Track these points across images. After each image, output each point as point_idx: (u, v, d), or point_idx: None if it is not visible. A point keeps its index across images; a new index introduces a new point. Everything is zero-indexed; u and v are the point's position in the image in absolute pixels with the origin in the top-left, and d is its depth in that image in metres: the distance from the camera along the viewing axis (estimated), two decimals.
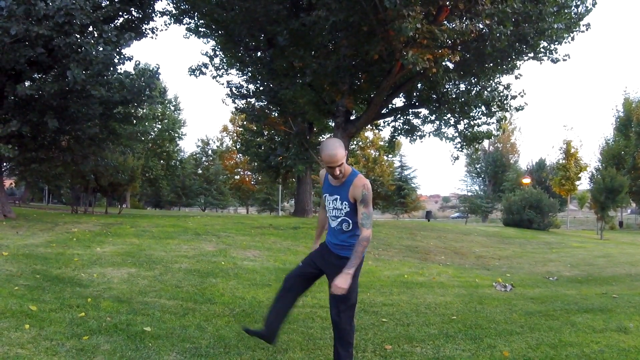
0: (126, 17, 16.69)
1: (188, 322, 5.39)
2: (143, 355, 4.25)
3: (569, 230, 35.81)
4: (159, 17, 18.26)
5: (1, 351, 4.09)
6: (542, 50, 16.15)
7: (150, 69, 16.48)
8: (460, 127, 19.77)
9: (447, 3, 13.66)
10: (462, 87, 18.40)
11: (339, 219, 3.85)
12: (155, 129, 54.06)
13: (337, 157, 3.61)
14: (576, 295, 8.27)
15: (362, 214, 3.63)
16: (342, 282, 3.52)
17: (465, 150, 22.07)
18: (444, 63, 14.65)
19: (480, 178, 68.51)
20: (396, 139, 23.46)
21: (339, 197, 3.79)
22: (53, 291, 6.26)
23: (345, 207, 3.78)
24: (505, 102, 18.47)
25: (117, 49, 14.25)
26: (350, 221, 3.78)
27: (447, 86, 17.65)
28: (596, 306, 7.14)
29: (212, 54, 22.31)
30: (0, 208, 14.29)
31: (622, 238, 27.90)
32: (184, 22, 20.78)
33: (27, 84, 13.42)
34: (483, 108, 18.71)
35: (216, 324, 5.38)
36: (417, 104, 19.96)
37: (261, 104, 24.95)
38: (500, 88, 18.67)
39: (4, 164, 16.10)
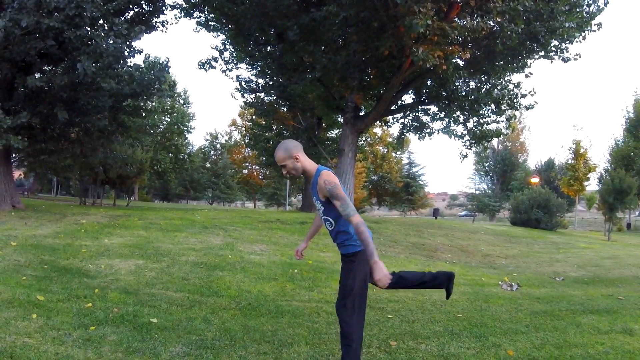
0: (136, 10, 16.71)
1: (194, 314, 5.42)
2: (149, 347, 4.28)
3: (577, 231, 35.66)
4: (169, 10, 18.28)
5: (9, 340, 4.13)
6: (553, 48, 16.05)
7: (160, 62, 16.55)
8: (470, 124, 19.70)
9: (458, 0, 13.60)
10: (472, 84, 18.31)
11: (323, 219, 3.87)
12: (164, 122, 54.18)
13: (277, 157, 3.82)
14: (582, 296, 8.24)
15: (339, 207, 3.60)
16: (377, 273, 3.44)
17: (474, 148, 22.01)
18: (454, 60, 14.60)
19: (489, 177, 68.31)
20: (405, 135, 23.39)
21: (314, 197, 3.83)
22: (61, 282, 6.31)
23: (321, 207, 3.80)
24: (515, 100, 18.35)
25: (128, 42, 14.26)
26: (331, 219, 3.77)
27: (457, 83, 17.58)
28: (602, 307, 7.12)
29: (221, 48, 22.30)
30: (9, 199, 14.38)
31: (629, 240, 27.75)
32: (194, 16, 20.77)
33: (37, 75, 13.48)
34: (493, 106, 18.61)
35: (222, 317, 5.40)
36: (426, 100, 19.89)
37: (270, 98, 24.98)
38: (511, 86, 18.56)
39: (14, 155, 16.19)
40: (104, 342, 4.30)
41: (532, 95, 18.42)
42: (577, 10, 15.17)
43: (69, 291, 5.84)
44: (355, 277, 3.72)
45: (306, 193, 28.04)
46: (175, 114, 55.48)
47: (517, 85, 18.59)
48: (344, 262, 3.82)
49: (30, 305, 5.15)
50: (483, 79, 18.00)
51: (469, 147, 20.42)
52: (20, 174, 42.16)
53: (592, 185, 42.80)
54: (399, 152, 60.26)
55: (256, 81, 24.11)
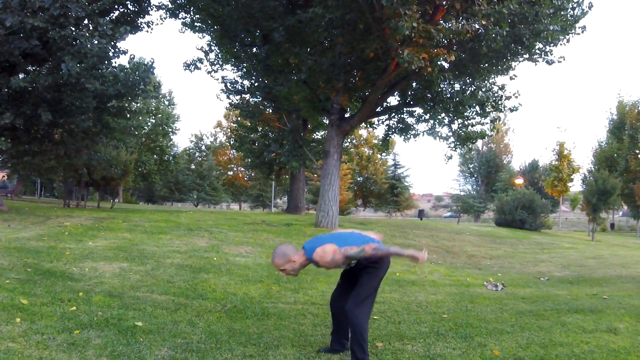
0: (122, 10, 16.60)
1: (180, 317, 5.39)
2: (134, 350, 4.25)
3: (561, 231, 35.97)
4: (155, 11, 18.18)
5: None
6: (537, 51, 16.14)
7: (145, 63, 16.45)
8: (454, 126, 19.73)
9: (444, 3, 13.66)
10: (457, 86, 18.36)
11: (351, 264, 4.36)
12: (149, 124, 53.80)
13: (275, 264, 4.20)
14: (567, 296, 8.32)
15: (355, 255, 4.07)
16: (417, 256, 4.13)
17: (458, 150, 22.09)
18: (439, 62, 14.63)
19: (473, 178, 68.60)
20: (390, 137, 23.40)
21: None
22: (44, 285, 6.24)
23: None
24: (499, 102, 18.43)
25: (112, 43, 14.18)
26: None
27: (442, 85, 17.61)
28: (587, 307, 7.19)
29: (207, 49, 22.21)
30: None
31: (613, 240, 28.07)
32: (180, 17, 20.67)
33: (21, 76, 13.34)
34: (477, 108, 18.66)
35: (208, 320, 5.38)
36: (411, 102, 19.91)
37: (256, 100, 24.93)
38: (495, 88, 18.62)
39: None
40: (89, 346, 4.26)
41: (516, 97, 18.53)
42: (562, 13, 15.28)
43: (52, 294, 5.79)
44: (377, 278, 4.24)
45: (292, 195, 28.02)
46: (160, 115, 55.10)
47: (502, 88, 18.67)
48: (366, 269, 4.22)
49: (13, 309, 5.09)
50: (468, 81, 18.07)
51: (453, 148, 20.46)
52: (3, 176, 41.74)
53: (575, 186, 43.18)
54: (384, 154, 60.33)
55: (242, 82, 24.09)
